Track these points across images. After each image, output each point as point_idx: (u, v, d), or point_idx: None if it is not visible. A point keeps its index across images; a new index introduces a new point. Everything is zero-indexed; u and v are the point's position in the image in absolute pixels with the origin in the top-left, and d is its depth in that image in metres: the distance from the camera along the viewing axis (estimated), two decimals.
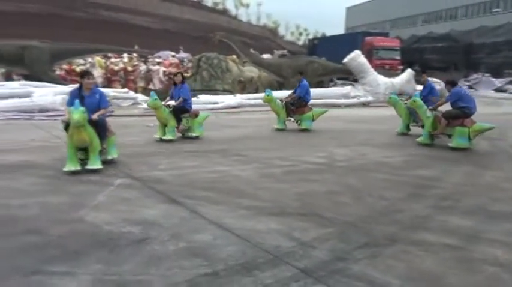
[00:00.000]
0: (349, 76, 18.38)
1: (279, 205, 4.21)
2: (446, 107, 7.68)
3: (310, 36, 69.28)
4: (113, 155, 5.95)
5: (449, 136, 7.41)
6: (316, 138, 8.37)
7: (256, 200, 4.34)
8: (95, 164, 5.39)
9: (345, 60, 16.97)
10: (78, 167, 5.33)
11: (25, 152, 6.65)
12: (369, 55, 25.03)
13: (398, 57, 26.58)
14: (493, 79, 25.92)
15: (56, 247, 3.18)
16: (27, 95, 12.70)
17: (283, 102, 9.34)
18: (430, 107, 7.69)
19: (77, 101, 5.11)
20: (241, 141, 7.98)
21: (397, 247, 3.22)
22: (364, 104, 15.98)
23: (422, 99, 7.83)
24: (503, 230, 3.58)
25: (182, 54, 25.32)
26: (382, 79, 17.03)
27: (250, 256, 3.02)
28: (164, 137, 7.77)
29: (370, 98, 16.31)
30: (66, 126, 5.37)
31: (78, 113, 4.99)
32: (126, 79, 19.43)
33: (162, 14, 53.73)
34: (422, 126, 8.04)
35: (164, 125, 7.83)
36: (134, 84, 18.90)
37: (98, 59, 19.30)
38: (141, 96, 15.36)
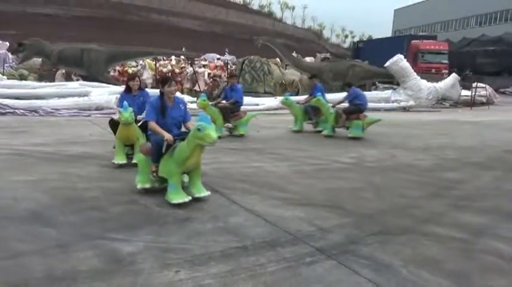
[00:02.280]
0: (393, 80, 18.33)
1: (306, 198, 4.68)
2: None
3: (356, 39, 68.55)
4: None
5: (347, 128, 8.92)
6: (349, 140, 8.70)
7: (286, 193, 4.83)
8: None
9: (387, 64, 16.99)
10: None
11: (86, 145, 7.53)
12: (414, 59, 24.71)
13: (445, 61, 25.97)
14: None
15: (114, 221, 3.86)
16: (85, 94, 13.90)
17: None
18: (332, 104, 9.15)
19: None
20: (277, 141, 8.49)
21: (406, 237, 3.60)
22: (405, 109, 15.94)
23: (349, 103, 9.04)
24: (511, 228, 3.84)
25: (227, 57, 26.22)
26: (425, 84, 16.89)
27: (275, 236, 3.54)
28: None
29: (411, 103, 16.23)
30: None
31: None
32: (174, 80, 20.53)
33: (209, 17, 55.41)
34: (316, 123, 9.57)
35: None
36: (181, 86, 19.94)
37: (148, 61, 20.53)
38: (187, 97, 16.27)
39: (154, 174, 4.52)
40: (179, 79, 20.51)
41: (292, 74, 20.54)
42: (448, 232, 3.73)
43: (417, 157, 7.14)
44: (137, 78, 6.46)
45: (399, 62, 16.77)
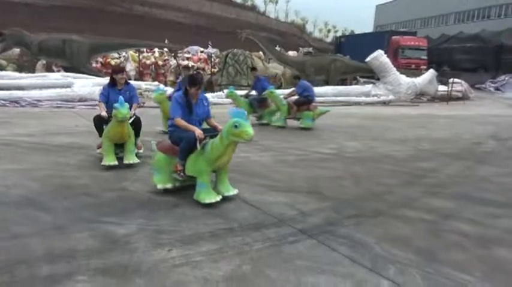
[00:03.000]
0: (374, 75, 18.75)
1: (288, 185, 4.95)
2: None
3: (338, 34, 69.22)
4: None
5: (298, 119, 9.28)
6: (330, 132, 9.01)
7: (270, 180, 5.09)
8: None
9: (368, 59, 17.40)
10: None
11: (72, 136, 7.61)
12: (395, 54, 25.25)
13: (424, 57, 26.58)
14: None
15: (107, 206, 4.05)
16: (68, 86, 13.83)
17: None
18: (283, 96, 9.55)
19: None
20: (261, 132, 8.72)
21: (380, 219, 3.91)
22: (385, 103, 16.39)
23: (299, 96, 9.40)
24: (476, 212, 4.20)
25: (210, 50, 26.22)
26: (404, 79, 17.36)
27: (260, 219, 3.80)
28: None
29: (391, 97, 16.69)
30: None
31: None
32: (157, 73, 20.52)
33: (192, 10, 55.01)
34: (260, 116, 9.76)
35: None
36: (164, 78, 19.96)
37: (131, 53, 20.42)
38: (170, 90, 16.33)
39: (182, 173, 4.25)
40: (162, 71, 20.54)
41: (275, 68, 20.78)
42: (419, 215, 4.06)
43: (394, 148, 7.50)
44: (124, 72, 6.04)
45: (380, 57, 17.20)
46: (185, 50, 24.52)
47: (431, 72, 18.47)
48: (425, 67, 23.96)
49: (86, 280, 2.67)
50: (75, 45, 16.47)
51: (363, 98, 16.35)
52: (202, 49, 24.76)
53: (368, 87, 17.12)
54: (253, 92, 9.82)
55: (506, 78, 26.16)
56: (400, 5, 56.53)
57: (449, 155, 7.03)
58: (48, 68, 18.91)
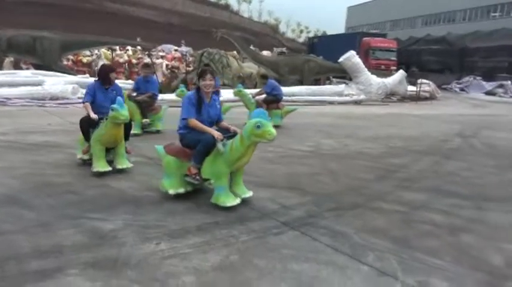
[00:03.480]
0: (347, 75, 19.21)
1: (270, 180, 5.10)
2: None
3: (311, 34, 70.10)
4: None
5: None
6: (306, 130, 9.24)
7: (252, 176, 5.18)
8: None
9: (340, 59, 17.83)
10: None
11: (47, 135, 7.48)
12: (366, 55, 25.91)
13: (394, 58, 27.43)
14: (484, 82, 26.81)
15: (91, 203, 4.07)
16: (38, 84, 13.49)
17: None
18: (252, 95, 9.63)
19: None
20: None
21: (358, 211, 4.13)
22: (357, 102, 16.84)
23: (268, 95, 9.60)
24: (446, 203, 4.49)
25: (183, 48, 26.11)
26: (375, 79, 17.89)
27: (244, 213, 3.92)
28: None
29: (362, 97, 17.17)
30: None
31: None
32: (130, 71, 20.27)
33: (165, 8, 54.37)
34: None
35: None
36: (138, 76, 19.73)
37: (104, 51, 20.09)
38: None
39: (197, 177, 4.07)
40: (136, 70, 20.29)
41: (250, 67, 20.93)
42: (393, 207, 4.30)
43: (367, 146, 7.79)
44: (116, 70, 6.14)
45: (352, 57, 17.66)
46: (159, 48, 24.32)
47: (400, 73, 19.12)
48: (395, 68, 24.74)
49: (76, 274, 2.72)
50: (46, 42, 16.06)
51: (336, 98, 16.74)
52: (176, 48, 24.64)
53: (341, 87, 17.54)
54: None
55: (471, 80, 27.36)
56: (370, 8, 57.94)
57: (418, 152, 7.37)
58: (16, 65, 18.34)
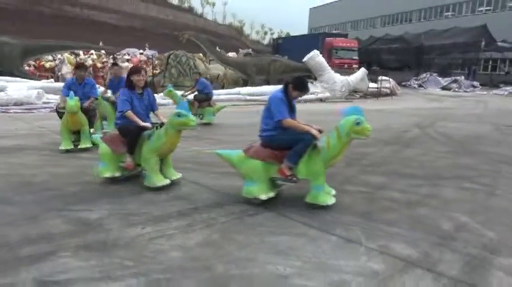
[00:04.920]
0: (311, 74, 19.80)
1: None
2: None
3: (275, 36, 71.10)
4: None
5: (200, 115, 9.55)
6: None
7: (224, 168, 5.41)
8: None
9: (305, 59, 18.38)
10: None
11: (16, 138, 7.44)
12: (329, 55, 26.71)
13: (356, 57, 28.41)
14: (440, 78, 28.32)
15: (73, 197, 4.22)
16: (1, 90, 13.16)
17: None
18: (183, 94, 9.94)
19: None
20: (211, 128, 9.11)
21: None
22: (322, 100, 17.44)
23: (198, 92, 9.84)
24: (404, 184, 4.95)
25: (148, 52, 25.97)
26: (338, 77, 18.58)
27: (221, 199, 4.21)
28: None
29: (327, 94, 17.80)
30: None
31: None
32: (95, 75, 19.99)
33: (127, 11, 53.56)
34: (201, 115, 9.67)
35: None
36: (103, 80, 19.50)
37: (67, 55, 19.72)
38: (110, 92, 16.07)
39: (294, 178, 3.96)
40: (101, 74, 20.07)
41: (217, 69, 21.17)
42: (358, 189, 4.71)
43: None
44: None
45: (316, 57, 18.26)
46: (124, 52, 24.10)
47: (362, 71, 19.93)
48: (357, 66, 25.68)
49: (69, 255, 2.91)
50: (7, 47, 15.62)
51: (303, 96, 17.25)
52: (141, 51, 24.50)
53: None
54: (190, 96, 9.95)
55: (428, 76, 28.78)
56: (332, 9, 59.52)
57: (381, 142, 7.89)
58: None
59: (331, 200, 3.95)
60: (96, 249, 3.02)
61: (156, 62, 21.43)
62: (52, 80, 16.59)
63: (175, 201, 4.12)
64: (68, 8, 45.86)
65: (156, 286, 2.55)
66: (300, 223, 3.62)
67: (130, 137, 4.57)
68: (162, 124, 4.59)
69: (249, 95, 16.38)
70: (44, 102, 12.98)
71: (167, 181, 4.51)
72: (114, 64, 8.97)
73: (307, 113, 12.50)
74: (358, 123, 3.68)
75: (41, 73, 18.66)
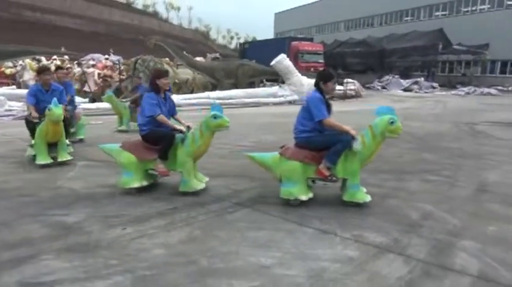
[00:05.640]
0: (279, 77, 20.09)
1: (221, 171, 5.50)
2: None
3: (241, 40, 71.52)
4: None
5: None
6: (248, 129, 9.74)
7: (205, 169, 5.51)
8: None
9: (273, 63, 18.64)
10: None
11: None
12: (295, 58, 27.18)
13: (321, 61, 29.05)
14: (401, 80, 29.43)
15: (48, 202, 4.18)
16: None
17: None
18: (122, 100, 9.56)
19: (55, 99, 5.42)
20: None
21: None
22: (290, 102, 17.75)
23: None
24: (374, 178, 5.20)
25: (113, 57, 25.53)
26: (305, 80, 18.95)
27: (201, 198, 4.29)
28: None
29: (295, 97, 18.12)
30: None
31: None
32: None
33: (90, 16, 52.31)
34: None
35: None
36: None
37: (28, 61, 19.09)
38: (77, 99, 15.70)
39: (333, 178, 4.06)
40: (66, 80, 19.55)
41: (186, 74, 21.09)
42: (334, 184, 4.89)
43: None
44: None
45: (283, 61, 18.57)
46: (88, 57, 23.58)
47: None
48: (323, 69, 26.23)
49: (52, 258, 2.91)
50: None
51: (271, 99, 17.51)
52: (107, 56, 24.04)
53: (274, 89, 18.37)
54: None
55: (390, 78, 29.84)
56: (297, 13, 60.51)
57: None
58: None
59: (368, 197, 4.04)
60: (78, 251, 3.03)
61: (123, 67, 21.11)
62: (14, 86, 16.02)
63: (154, 202, 4.17)
64: (28, 13, 44.21)
65: (143, 282, 2.61)
66: (278, 217, 3.77)
67: (166, 142, 4.41)
68: (188, 128, 4.53)
69: (218, 99, 16.45)
70: (7, 110, 12.54)
71: (203, 185, 4.45)
72: (59, 68, 8.33)
73: (279, 115, 12.76)
74: (392, 123, 3.85)
75: (2, 80, 17.98)
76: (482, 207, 4.18)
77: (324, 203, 4.20)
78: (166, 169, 4.49)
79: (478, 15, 34.92)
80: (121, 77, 19.67)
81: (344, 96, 20.16)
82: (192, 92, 18.79)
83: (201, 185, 4.44)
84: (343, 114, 13.27)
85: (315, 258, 2.95)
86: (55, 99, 5.43)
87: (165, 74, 4.74)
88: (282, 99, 17.66)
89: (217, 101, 16.15)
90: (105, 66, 21.78)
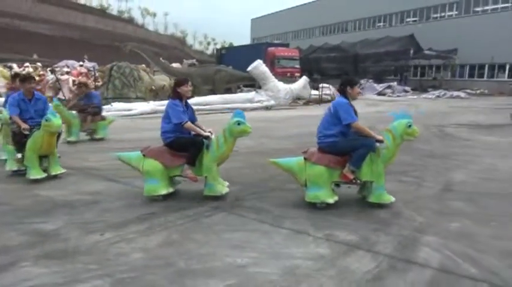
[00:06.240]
0: (255, 83, 20.29)
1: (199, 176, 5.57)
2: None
3: (218, 46, 71.63)
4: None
5: (94, 131, 8.89)
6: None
7: None
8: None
9: (249, 68, 18.84)
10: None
11: None
12: (272, 64, 27.49)
13: (297, 66, 29.49)
14: (375, 84, 30.16)
15: (25, 210, 4.18)
16: None
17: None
18: (69, 107, 8.89)
19: (51, 109, 5.27)
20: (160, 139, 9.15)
21: (275, 193, 4.84)
22: (267, 107, 17.97)
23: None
24: None
25: (88, 63, 25.19)
26: (282, 85, 19.24)
27: (176, 203, 4.38)
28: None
29: (272, 102, 18.36)
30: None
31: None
32: None
33: (62, 22, 51.35)
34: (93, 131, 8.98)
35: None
36: (43, 94, 18.68)
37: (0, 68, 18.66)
38: (51, 106, 15.45)
39: (358, 181, 4.28)
40: (39, 87, 19.17)
41: (162, 80, 21.03)
42: (301, 188, 5.07)
43: (281, 143, 8.66)
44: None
45: (259, 66, 18.79)
46: (62, 64, 23.22)
47: (304, 79, 20.80)
48: (299, 75, 26.64)
49: (30, 265, 2.95)
50: None
51: (248, 104, 17.67)
52: (81, 63, 23.73)
53: (251, 94, 18.55)
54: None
55: (364, 82, 30.50)
56: (273, 19, 61.14)
57: None
58: None
59: (392, 198, 4.25)
60: (57, 257, 3.08)
61: (98, 74, 20.87)
62: None
63: (131, 208, 4.23)
64: None
65: (122, 284, 2.69)
66: (253, 219, 3.90)
67: (195, 148, 4.47)
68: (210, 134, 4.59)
69: (195, 105, 16.49)
70: None
71: (227, 189, 4.57)
72: (16, 76, 7.75)
73: (256, 120, 12.91)
74: (409, 126, 4.13)
75: None
76: (446, 205, 4.43)
77: (298, 205, 4.36)
78: (194, 175, 4.54)
79: (447, 21, 36.21)
80: (96, 84, 19.47)
81: (320, 101, 20.54)
82: (169, 98, 18.76)
83: (225, 189, 4.55)
84: (318, 119, 13.57)
85: (289, 256, 3.09)
86: (51, 109, 5.18)
87: (185, 81, 4.79)
88: (258, 104, 17.85)
89: (194, 107, 16.23)
90: (80, 73, 21.50)
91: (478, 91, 30.16)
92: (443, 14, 37.05)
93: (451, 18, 36.15)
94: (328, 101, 21.32)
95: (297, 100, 20.30)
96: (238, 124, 4.40)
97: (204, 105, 16.37)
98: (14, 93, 5.91)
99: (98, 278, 2.75)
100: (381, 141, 4.17)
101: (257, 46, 35.90)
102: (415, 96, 27.61)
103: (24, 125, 5.36)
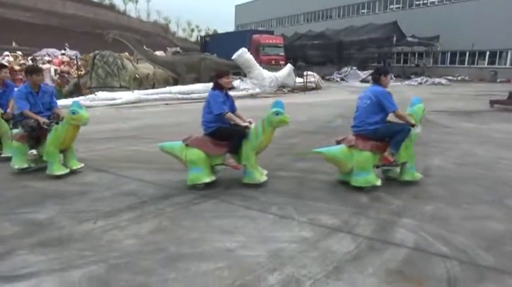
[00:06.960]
0: (241, 71, 20.31)
1: (179, 167, 5.68)
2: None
3: (202, 33, 70.92)
4: None
5: None
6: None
7: (162, 165, 5.72)
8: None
9: (234, 56, 18.86)
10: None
11: None
12: (256, 52, 27.47)
13: (282, 53, 29.49)
14: (359, 72, 30.52)
15: (16, 201, 4.26)
16: None
17: None
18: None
19: (75, 101, 5.10)
20: (146, 129, 9.21)
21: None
22: (252, 95, 18.08)
23: None
24: (329, 167, 5.58)
25: (70, 52, 24.76)
26: (266, 73, 19.34)
27: (166, 192, 4.52)
28: None
29: (257, 90, 18.48)
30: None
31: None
32: (13, 79, 18.70)
33: (42, 9, 50.05)
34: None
35: None
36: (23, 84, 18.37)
37: None
38: None
39: (396, 163, 4.68)
40: (20, 77, 18.83)
41: (146, 68, 20.86)
42: (290, 174, 5.28)
43: None
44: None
45: (244, 54, 18.82)
46: (43, 52, 22.80)
47: (289, 66, 20.91)
48: (283, 62, 26.71)
49: (26, 253, 3.07)
50: None
51: (234, 93, 17.74)
52: (63, 51, 23.33)
53: (236, 83, 18.60)
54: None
55: (348, 70, 30.84)
56: (257, 6, 60.74)
57: (308, 132, 8.62)
58: None
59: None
60: (52, 245, 3.20)
61: (80, 62, 20.58)
62: None
63: (123, 197, 4.35)
64: None
65: (116, 269, 2.84)
66: (241, 206, 4.07)
67: (237, 138, 4.66)
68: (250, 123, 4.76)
69: (180, 93, 16.51)
70: None
71: (265, 178, 4.74)
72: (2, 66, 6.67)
73: (242, 109, 13.02)
74: (424, 110, 4.93)
75: None
76: (423, 189, 4.68)
77: (282, 190, 4.55)
78: (236, 163, 4.70)
79: (429, 8, 36.63)
80: (79, 72, 19.23)
81: (304, 89, 20.73)
82: (153, 87, 18.68)
83: (263, 178, 4.72)
84: (302, 106, 13.77)
85: (275, 240, 3.28)
86: (76, 101, 5.02)
87: (226, 73, 4.95)
88: (244, 92, 17.94)
89: (179, 96, 16.22)
90: (62, 62, 21.18)
91: (459, 78, 30.79)
92: (425, 1, 37.44)
93: (433, 6, 36.58)
94: (313, 89, 21.59)
95: (282, 88, 20.45)
96: (277, 114, 4.59)
97: (189, 93, 16.39)
98: (21, 86, 5.58)
99: (93, 264, 2.89)
100: (413, 126, 4.62)
101: (242, 33, 35.73)
102: (398, 83, 28.01)
103: (43, 119, 5.18)
